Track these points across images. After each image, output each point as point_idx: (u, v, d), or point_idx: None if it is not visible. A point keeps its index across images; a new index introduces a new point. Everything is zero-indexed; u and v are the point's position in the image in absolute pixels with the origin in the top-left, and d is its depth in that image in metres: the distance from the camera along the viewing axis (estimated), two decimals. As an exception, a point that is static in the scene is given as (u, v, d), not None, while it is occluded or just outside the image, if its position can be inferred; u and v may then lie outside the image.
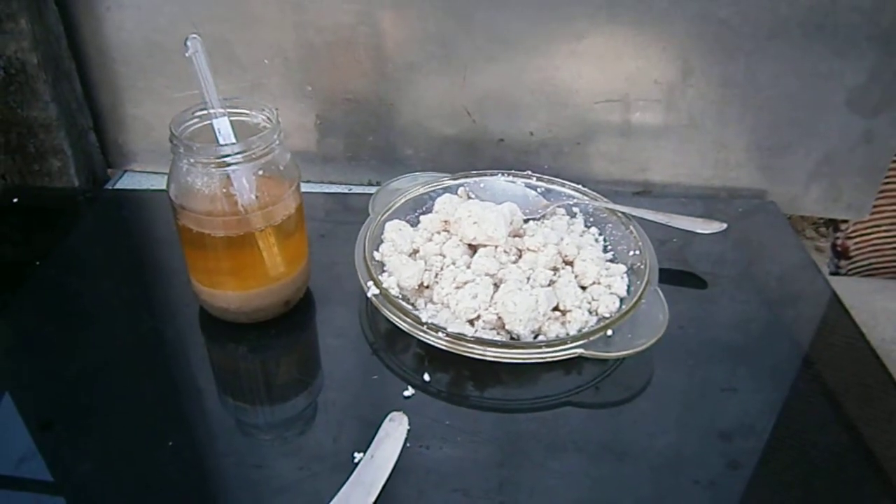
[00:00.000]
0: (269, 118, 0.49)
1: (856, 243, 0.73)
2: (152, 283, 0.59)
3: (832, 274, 0.77)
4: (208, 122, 0.48)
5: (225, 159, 0.46)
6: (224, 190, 0.47)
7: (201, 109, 0.48)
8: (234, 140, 0.48)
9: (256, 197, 0.48)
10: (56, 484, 0.43)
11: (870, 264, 0.79)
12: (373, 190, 0.62)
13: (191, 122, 0.48)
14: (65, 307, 0.56)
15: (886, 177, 0.69)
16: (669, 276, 0.58)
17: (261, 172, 0.48)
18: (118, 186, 0.75)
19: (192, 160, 0.46)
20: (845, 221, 0.74)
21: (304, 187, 0.69)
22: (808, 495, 0.43)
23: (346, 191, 0.74)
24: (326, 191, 0.74)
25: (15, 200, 0.68)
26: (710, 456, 0.44)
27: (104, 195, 0.72)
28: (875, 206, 0.72)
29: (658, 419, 0.47)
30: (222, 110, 0.48)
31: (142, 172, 0.76)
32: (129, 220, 0.69)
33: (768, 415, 0.47)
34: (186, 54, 0.46)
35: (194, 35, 0.46)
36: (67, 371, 0.50)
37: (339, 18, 0.65)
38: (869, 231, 0.78)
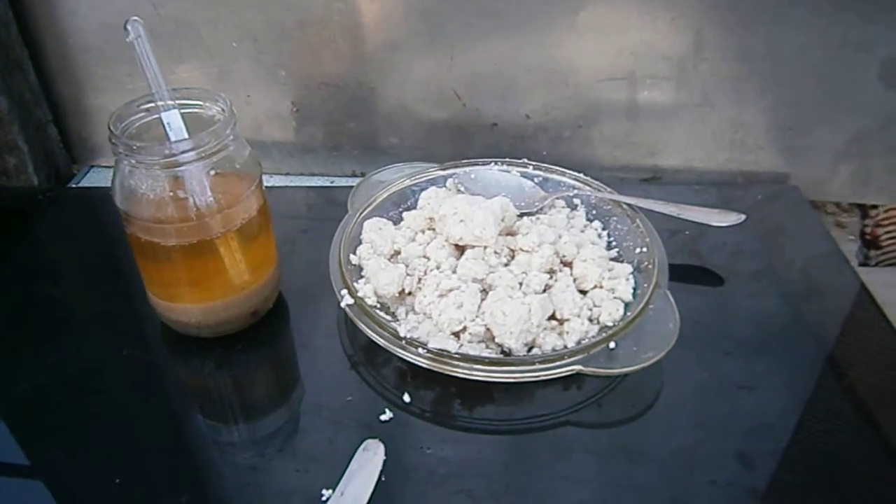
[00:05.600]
0: (223, 109, 0.44)
1: (887, 231, 0.67)
2: (119, 290, 0.55)
3: (861, 265, 0.71)
4: (156, 115, 0.43)
5: (173, 159, 0.41)
6: (173, 193, 0.42)
7: (148, 102, 0.44)
8: (185, 135, 0.43)
9: (214, 199, 0.43)
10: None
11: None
12: (356, 182, 0.58)
13: (137, 117, 0.44)
14: (22, 318, 0.52)
15: (923, 157, 0.64)
16: (681, 273, 0.54)
17: (213, 172, 0.43)
18: (83, 184, 0.71)
19: (134, 161, 0.41)
20: (875, 207, 0.68)
21: (283, 180, 0.65)
22: (831, 500, 0.40)
23: (328, 184, 0.71)
24: (307, 184, 0.70)
25: (-31, 202, 0.64)
26: (726, 458, 0.42)
27: (67, 194, 0.69)
28: (909, 190, 0.67)
29: (671, 422, 0.44)
30: (172, 102, 0.43)
31: (109, 168, 0.72)
32: (95, 221, 0.64)
33: (789, 416, 0.44)
34: (127, 39, 0.42)
35: (135, 18, 0.41)
36: (20, 388, 0.46)
37: (311, -6, 0.61)
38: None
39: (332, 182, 0.71)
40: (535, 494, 0.40)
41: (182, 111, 0.43)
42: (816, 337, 0.50)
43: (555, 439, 0.43)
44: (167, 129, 0.43)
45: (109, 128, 0.42)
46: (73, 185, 0.70)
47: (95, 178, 0.71)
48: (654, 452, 0.42)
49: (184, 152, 0.41)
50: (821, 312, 0.53)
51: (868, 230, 0.69)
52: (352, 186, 0.57)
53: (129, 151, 0.41)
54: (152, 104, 0.43)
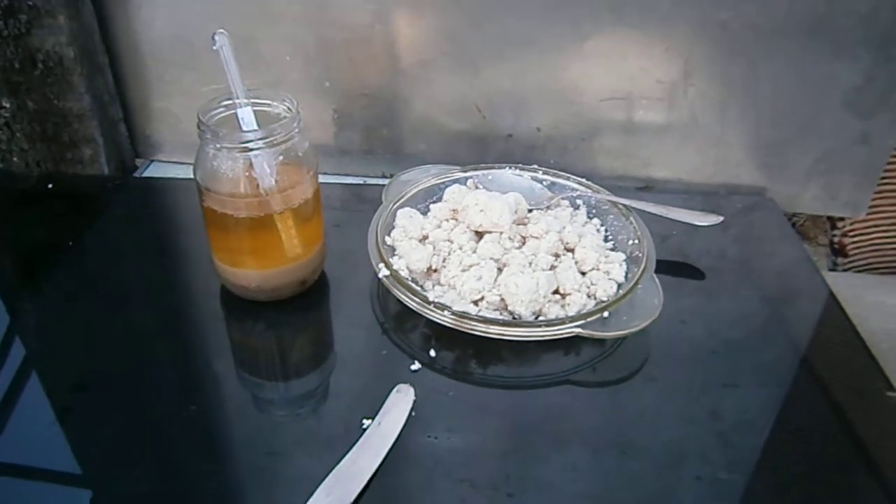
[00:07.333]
0: (289, 108, 0.52)
1: (854, 242, 0.75)
2: (176, 264, 0.62)
3: (830, 271, 0.78)
4: (233, 111, 0.51)
5: (248, 145, 0.49)
6: (247, 174, 0.50)
7: (227, 99, 0.51)
8: (256, 128, 0.51)
9: (276, 181, 0.51)
10: (83, 448, 0.46)
11: (868, 264, 0.80)
12: (386, 182, 0.65)
13: (217, 111, 0.51)
14: (94, 286, 0.59)
15: (884, 176, 0.71)
16: (668, 268, 0.60)
17: (281, 158, 0.51)
18: (145, 175, 0.78)
19: (217, 145, 0.49)
20: (842, 219, 0.75)
21: (322, 178, 0.72)
22: (808, 489, 0.44)
23: (361, 182, 0.77)
24: (343, 182, 0.76)
25: (49, 186, 0.72)
26: (710, 450, 0.45)
27: (132, 183, 0.76)
28: (873, 206, 0.74)
29: (658, 412, 0.48)
30: (246, 100, 0.51)
31: (167, 162, 0.80)
32: (155, 207, 0.72)
33: (767, 410, 0.49)
34: (214, 48, 0.49)
35: (221, 31, 0.49)
36: (95, 345, 0.53)
37: (357, 17, 0.68)
38: (869, 230, 0.79)
39: (364, 181, 0.77)
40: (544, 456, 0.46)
41: (254, 108, 0.51)
42: (787, 334, 0.55)
43: (555, 395, 0.50)
44: (241, 122, 0.51)
45: (199, 117, 0.49)
46: (137, 176, 0.77)
47: (155, 171, 0.78)
48: (645, 446, 0.46)
49: (258, 139, 0.49)
50: (791, 312, 0.58)
51: (836, 240, 0.76)
52: (382, 185, 0.64)
53: (215, 137, 0.49)
54: (230, 101, 0.51)
